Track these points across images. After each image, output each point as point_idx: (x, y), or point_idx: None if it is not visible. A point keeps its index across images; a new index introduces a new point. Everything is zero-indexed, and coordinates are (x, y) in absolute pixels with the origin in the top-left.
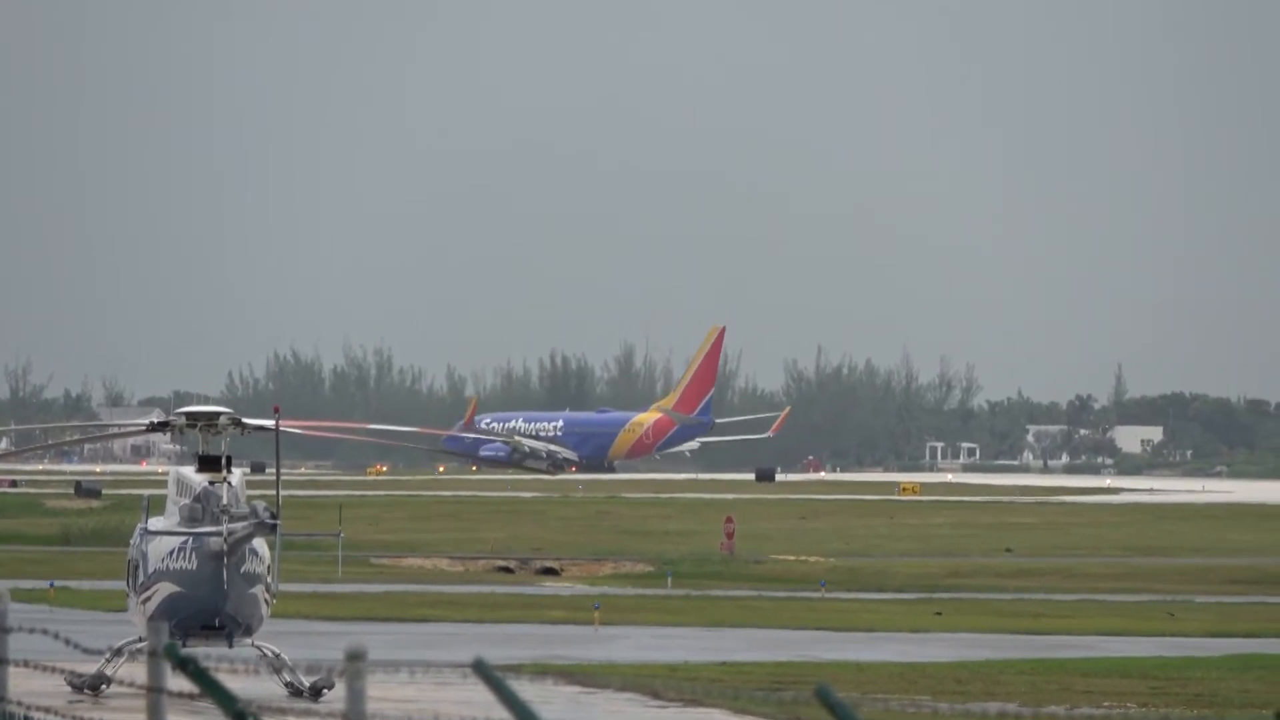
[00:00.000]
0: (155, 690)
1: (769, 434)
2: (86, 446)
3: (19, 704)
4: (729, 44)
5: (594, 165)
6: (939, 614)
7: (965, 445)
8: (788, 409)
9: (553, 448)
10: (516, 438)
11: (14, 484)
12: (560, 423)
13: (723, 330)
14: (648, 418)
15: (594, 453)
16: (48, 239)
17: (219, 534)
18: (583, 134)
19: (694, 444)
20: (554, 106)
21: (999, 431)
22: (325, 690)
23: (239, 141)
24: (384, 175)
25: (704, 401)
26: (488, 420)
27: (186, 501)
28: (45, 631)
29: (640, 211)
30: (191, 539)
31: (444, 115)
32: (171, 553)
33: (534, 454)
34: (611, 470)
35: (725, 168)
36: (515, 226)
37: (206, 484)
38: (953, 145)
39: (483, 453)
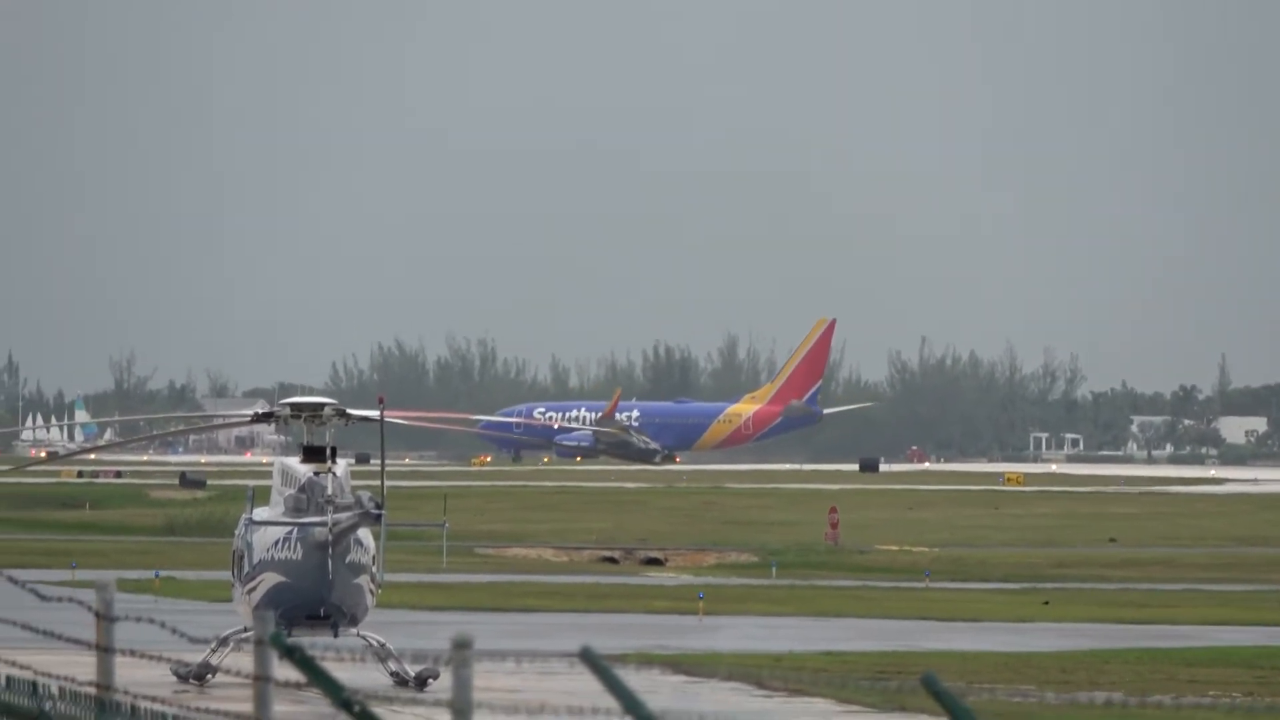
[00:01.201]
0: (262, 679)
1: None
2: (191, 438)
3: (126, 693)
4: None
5: (703, 167)
6: (1046, 603)
7: (1069, 436)
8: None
9: (645, 438)
10: (630, 429)
11: (119, 475)
12: (635, 413)
13: (832, 323)
14: (744, 408)
15: (673, 443)
16: (153, 231)
17: (324, 524)
18: (682, 140)
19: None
20: (661, 108)
21: (1103, 422)
22: (431, 680)
23: (340, 136)
24: (488, 172)
25: (811, 392)
26: (541, 409)
27: (291, 492)
28: (151, 621)
29: (742, 211)
30: (296, 529)
31: (553, 116)
32: (276, 543)
33: (625, 444)
34: (672, 461)
35: (817, 176)
36: (620, 228)
37: (311, 474)
38: (1069, 139)
39: (562, 441)
